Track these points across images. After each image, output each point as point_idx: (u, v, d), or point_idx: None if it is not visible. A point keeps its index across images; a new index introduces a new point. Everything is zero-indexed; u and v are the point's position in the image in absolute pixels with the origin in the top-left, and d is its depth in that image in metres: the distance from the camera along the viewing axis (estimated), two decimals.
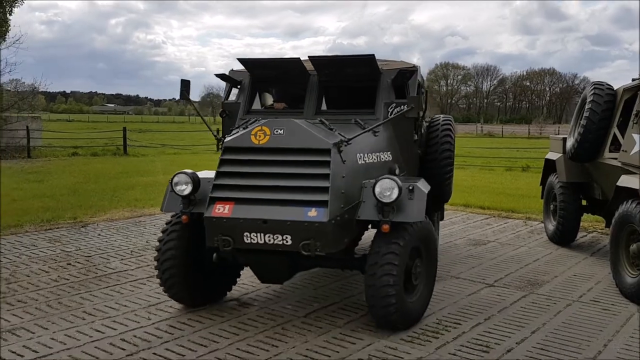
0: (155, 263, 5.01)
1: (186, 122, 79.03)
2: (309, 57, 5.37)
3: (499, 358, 4.28)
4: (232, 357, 4.23)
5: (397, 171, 5.23)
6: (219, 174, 4.48)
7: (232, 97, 6.08)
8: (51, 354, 4.22)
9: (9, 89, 25.62)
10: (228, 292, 5.54)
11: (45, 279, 6.09)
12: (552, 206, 8.51)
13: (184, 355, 4.24)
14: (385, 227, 4.36)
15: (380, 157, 5.10)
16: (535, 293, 5.93)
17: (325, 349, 4.37)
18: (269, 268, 4.85)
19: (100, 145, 25.98)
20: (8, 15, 24.23)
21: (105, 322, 4.88)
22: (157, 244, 5.03)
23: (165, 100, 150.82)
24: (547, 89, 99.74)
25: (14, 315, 5.01)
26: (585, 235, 8.98)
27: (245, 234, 4.26)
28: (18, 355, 4.18)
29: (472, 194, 13.19)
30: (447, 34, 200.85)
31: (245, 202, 4.31)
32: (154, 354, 4.26)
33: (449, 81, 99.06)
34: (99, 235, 8.34)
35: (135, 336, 4.58)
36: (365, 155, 4.82)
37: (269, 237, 4.22)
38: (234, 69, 6.06)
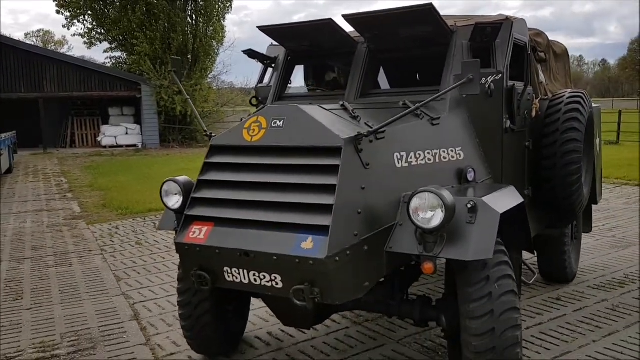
0: None
1: None
2: (342, 16, 3.88)
3: None
4: None
5: (470, 175, 3.56)
6: (199, 184, 3.23)
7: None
8: None
9: (214, 87, 29.89)
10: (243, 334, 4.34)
11: None
12: None
13: None
14: (428, 266, 2.86)
15: (441, 155, 3.46)
16: None
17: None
18: (286, 309, 3.50)
19: None
20: (222, 21, 28.28)
21: None
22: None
23: None
24: None
25: None
26: None
27: (226, 269, 3.04)
28: None
29: None
30: None
31: (226, 223, 3.05)
32: None
33: None
34: None
35: None
36: (412, 154, 3.26)
37: (254, 275, 2.96)
38: (274, 43, 4.65)
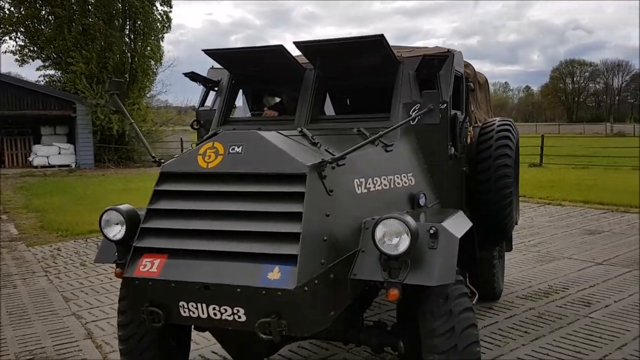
0: None
1: None
2: (294, 42, 3.93)
3: (596, 310, 5.44)
4: None
5: (422, 200, 3.65)
6: (149, 213, 3.03)
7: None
8: None
9: (152, 106, 29.55)
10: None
11: None
12: None
13: None
14: (394, 293, 2.77)
15: (395, 181, 3.55)
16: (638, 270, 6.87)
17: None
18: (237, 341, 3.45)
19: None
20: (160, 41, 28.13)
21: None
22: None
23: None
24: None
25: None
26: None
27: (182, 303, 2.85)
28: None
29: (592, 191, 13.75)
30: (569, 29, 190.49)
31: (182, 255, 2.88)
32: None
33: (575, 79, 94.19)
34: None
35: None
36: (370, 180, 3.30)
37: (213, 309, 2.81)
38: (215, 66, 4.59)
